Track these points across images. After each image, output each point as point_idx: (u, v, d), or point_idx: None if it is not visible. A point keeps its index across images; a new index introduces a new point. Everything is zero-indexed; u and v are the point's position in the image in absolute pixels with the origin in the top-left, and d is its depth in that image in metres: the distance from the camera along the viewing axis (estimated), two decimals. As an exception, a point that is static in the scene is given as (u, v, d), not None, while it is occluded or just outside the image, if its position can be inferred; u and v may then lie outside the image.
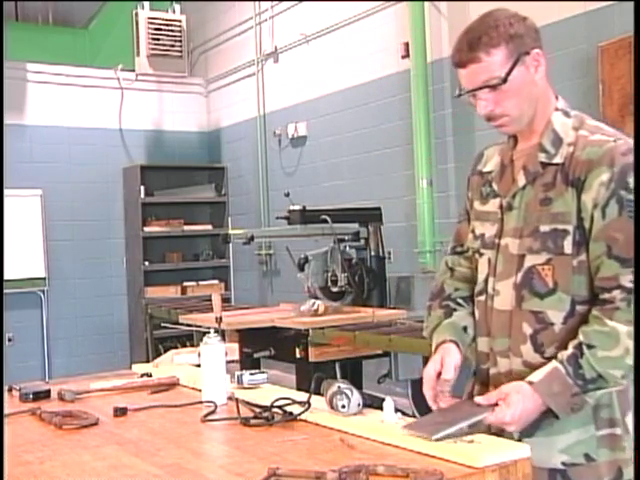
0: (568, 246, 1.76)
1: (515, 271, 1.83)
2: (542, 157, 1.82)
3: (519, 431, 1.76)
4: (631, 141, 1.78)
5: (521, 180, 1.86)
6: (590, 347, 1.68)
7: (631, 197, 1.70)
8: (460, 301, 2.02)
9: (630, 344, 1.66)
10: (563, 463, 1.77)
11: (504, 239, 1.88)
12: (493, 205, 1.93)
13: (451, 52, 1.86)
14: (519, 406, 1.71)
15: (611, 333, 1.67)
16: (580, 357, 1.69)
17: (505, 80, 1.76)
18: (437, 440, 1.64)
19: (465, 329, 1.98)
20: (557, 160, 1.80)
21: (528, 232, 1.81)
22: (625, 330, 1.66)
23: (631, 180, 1.71)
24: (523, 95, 1.80)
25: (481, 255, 1.95)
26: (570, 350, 1.71)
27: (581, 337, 1.71)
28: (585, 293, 1.76)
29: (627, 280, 1.69)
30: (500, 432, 1.80)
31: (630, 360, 1.67)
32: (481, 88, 1.79)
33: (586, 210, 1.74)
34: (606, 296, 1.72)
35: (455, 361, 1.92)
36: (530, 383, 1.72)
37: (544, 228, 1.78)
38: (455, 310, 2.01)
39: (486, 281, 1.92)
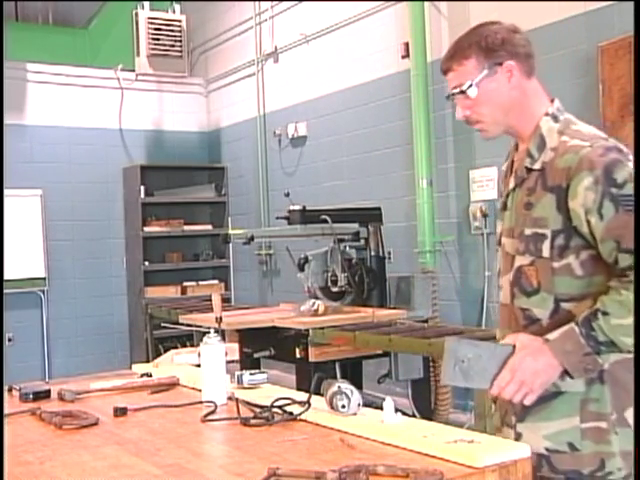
0: (546, 250, 1.84)
1: (509, 269, 1.95)
2: (527, 162, 1.91)
3: (538, 391, 1.81)
4: (609, 142, 1.82)
5: (511, 183, 1.97)
6: (605, 314, 1.74)
7: (624, 192, 1.74)
8: None
9: None
10: (547, 449, 1.85)
11: (503, 237, 2.00)
12: (501, 203, 2.05)
13: None
14: (527, 359, 1.79)
15: (624, 302, 1.72)
16: (594, 321, 1.75)
17: (470, 87, 1.91)
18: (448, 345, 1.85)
19: None
20: (537, 166, 1.88)
21: (516, 234, 1.91)
22: None
23: (618, 176, 1.75)
24: (494, 103, 1.92)
25: (497, 251, 2.07)
26: (586, 313, 1.77)
27: (598, 304, 1.76)
28: (570, 291, 1.83)
29: None
30: (504, 417, 1.95)
31: None
32: (453, 94, 1.96)
33: (578, 217, 1.79)
34: (624, 272, 1.77)
35: None
36: (546, 341, 1.80)
37: (527, 231, 1.88)
38: None
39: (498, 275, 2.04)
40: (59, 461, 1.73)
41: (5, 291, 6.79)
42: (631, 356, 1.78)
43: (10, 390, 2.49)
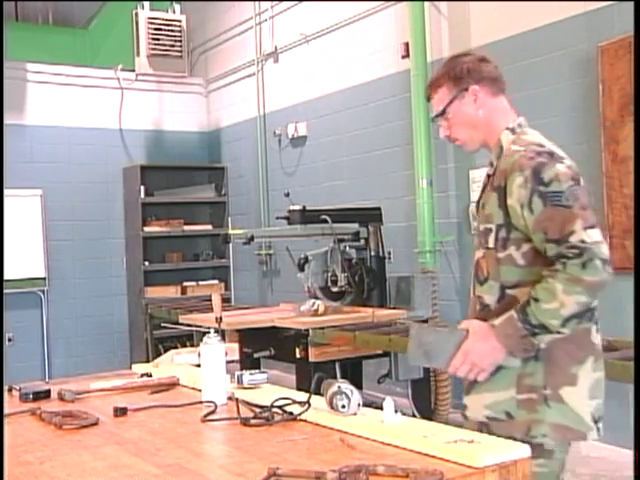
0: (492, 241, 2.12)
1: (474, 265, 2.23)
2: (488, 170, 2.21)
3: (488, 370, 2.07)
4: (544, 148, 2.06)
5: (480, 189, 2.25)
6: (536, 300, 1.97)
7: (551, 189, 1.98)
8: None
9: (565, 299, 1.93)
10: (487, 417, 2.11)
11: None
12: (474, 210, 2.33)
13: None
14: (477, 343, 2.06)
15: (550, 289, 1.95)
16: (527, 307, 1.98)
17: (444, 111, 2.21)
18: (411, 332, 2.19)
19: None
20: (492, 172, 2.17)
21: (477, 232, 2.20)
22: (561, 287, 1.93)
23: (544, 175, 1.99)
24: (465, 123, 2.21)
25: None
26: (524, 300, 2.01)
27: (532, 292, 1.99)
28: (513, 279, 2.08)
29: (564, 248, 1.95)
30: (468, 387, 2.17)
31: (565, 312, 1.94)
32: (437, 116, 2.25)
33: (515, 213, 2.04)
34: (552, 260, 2.00)
35: None
36: (492, 326, 2.05)
37: (481, 227, 2.17)
38: None
39: None
40: (59, 461, 1.73)
41: (5, 291, 6.79)
42: (561, 336, 1.99)
43: (10, 390, 2.49)
